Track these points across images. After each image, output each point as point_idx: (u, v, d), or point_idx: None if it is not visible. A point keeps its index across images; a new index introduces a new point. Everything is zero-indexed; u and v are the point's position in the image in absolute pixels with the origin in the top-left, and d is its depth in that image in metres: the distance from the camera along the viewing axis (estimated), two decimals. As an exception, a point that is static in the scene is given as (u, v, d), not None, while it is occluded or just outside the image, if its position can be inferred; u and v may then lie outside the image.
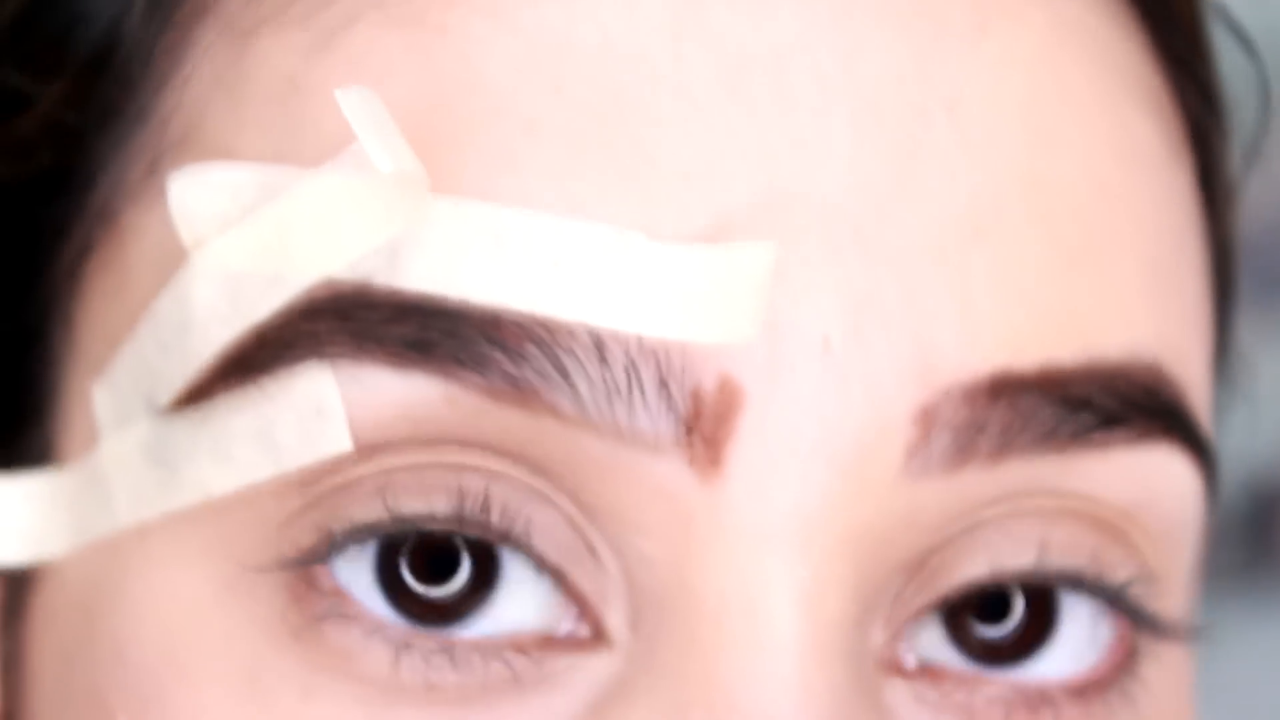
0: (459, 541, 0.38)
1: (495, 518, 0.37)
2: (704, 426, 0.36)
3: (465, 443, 0.37)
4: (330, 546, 0.37)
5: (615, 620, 0.38)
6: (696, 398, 0.36)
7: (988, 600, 0.40)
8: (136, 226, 0.40)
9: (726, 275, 0.36)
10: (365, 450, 0.37)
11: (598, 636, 0.38)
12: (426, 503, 0.37)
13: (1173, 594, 0.41)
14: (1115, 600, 0.40)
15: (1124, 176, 0.40)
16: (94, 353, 0.40)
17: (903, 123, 0.38)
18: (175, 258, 0.38)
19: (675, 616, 0.37)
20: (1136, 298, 0.40)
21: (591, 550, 0.38)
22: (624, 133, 0.37)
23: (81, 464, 0.40)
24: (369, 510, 0.37)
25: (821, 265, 0.37)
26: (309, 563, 0.37)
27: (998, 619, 0.40)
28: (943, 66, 0.38)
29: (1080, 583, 0.40)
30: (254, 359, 0.37)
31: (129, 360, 0.39)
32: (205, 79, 0.39)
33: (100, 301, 0.40)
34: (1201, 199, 0.43)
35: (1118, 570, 0.40)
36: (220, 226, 0.37)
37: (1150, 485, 0.40)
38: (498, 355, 0.36)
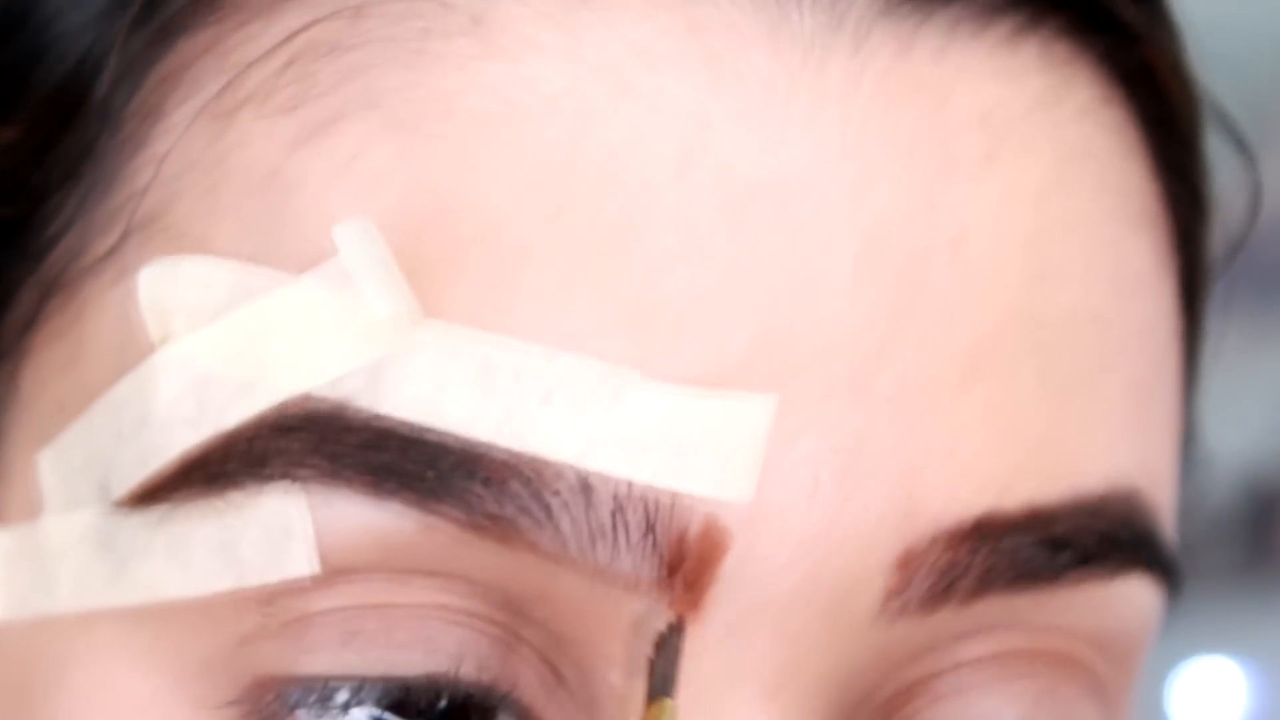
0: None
1: (471, 673, 0.36)
2: (686, 570, 0.35)
3: (437, 573, 0.36)
4: (288, 696, 0.36)
5: None
6: (681, 542, 0.35)
7: None
8: (97, 302, 0.38)
9: (723, 425, 0.35)
10: (332, 575, 0.36)
11: None
12: (396, 659, 0.36)
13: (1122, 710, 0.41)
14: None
15: (1116, 303, 0.39)
16: (41, 419, 0.39)
17: (907, 261, 0.36)
18: (138, 344, 0.37)
19: None
20: (1119, 425, 0.39)
21: (560, 680, 0.37)
22: (623, 265, 0.35)
23: (22, 532, 0.39)
24: (334, 661, 0.36)
25: (815, 407, 0.36)
26: (269, 717, 0.36)
27: None
28: (949, 201, 0.37)
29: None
30: (222, 469, 0.36)
31: (81, 440, 0.37)
32: (181, 157, 0.37)
33: (51, 370, 0.39)
34: (1183, 298, 0.43)
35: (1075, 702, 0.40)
36: (190, 322, 0.36)
37: (1119, 614, 0.39)
38: (479, 490, 0.35)
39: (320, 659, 0.36)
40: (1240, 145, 0.48)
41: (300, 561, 0.35)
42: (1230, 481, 1.19)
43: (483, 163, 0.36)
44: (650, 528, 0.35)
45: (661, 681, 0.36)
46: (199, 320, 0.36)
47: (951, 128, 0.37)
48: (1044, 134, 0.38)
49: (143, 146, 0.38)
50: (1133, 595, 0.39)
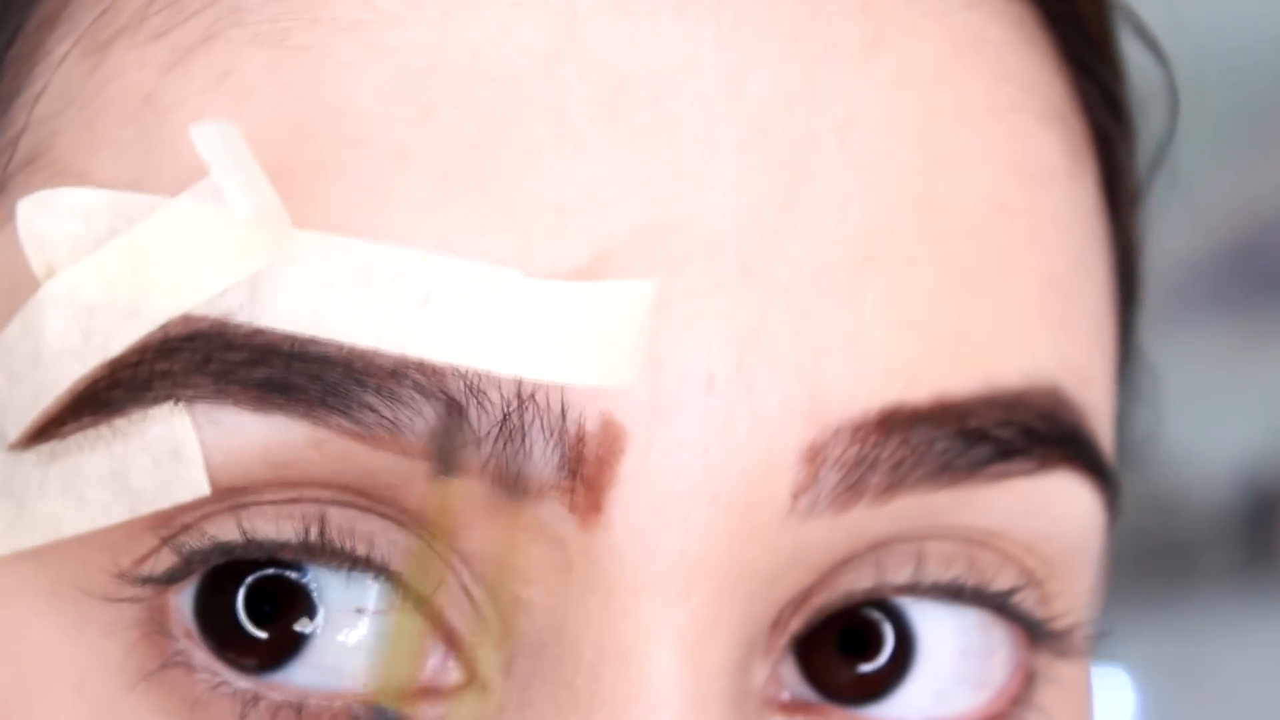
0: (313, 586, 0.36)
1: (350, 543, 0.36)
2: (586, 470, 0.35)
3: (330, 486, 0.35)
4: (180, 567, 0.36)
5: (488, 664, 0.36)
6: (579, 441, 0.35)
7: (859, 635, 0.39)
8: None
9: (605, 314, 0.35)
10: (223, 494, 0.35)
11: (470, 680, 0.36)
12: (279, 528, 0.36)
13: (1072, 614, 0.40)
14: (1002, 608, 0.39)
15: (1023, 193, 0.39)
16: None
17: (791, 147, 0.36)
18: (25, 284, 0.36)
19: (552, 665, 0.36)
20: (1035, 319, 0.38)
21: (466, 592, 0.36)
22: (497, 162, 0.35)
23: None
24: (222, 529, 0.36)
25: (705, 299, 0.35)
26: (159, 581, 0.36)
27: (860, 655, 0.39)
28: (833, 87, 0.37)
29: (961, 592, 0.39)
30: (108, 398, 0.35)
31: None
32: (57, 94, 0.37)
33: None
34: (1105, 205, 0.42)
35: (1000, 578, 0.39)
36: (73, 254, 0.35)
37: (1051, 514, 0.39)
38: (367, 398, 0.35)
39: (207, 527, 0.36)
40: (1153, 48, 0.47)
41: (190, 484, 0.35)
42: (1230, 481, 1.19)
43: (350, 69, 0.35)
44: (545, 429, 0.35)
45: (443, 464, 0.35)
46: (82, 251, 0.35)
47: (833, 14, 0.37)
48: (933, 21, 0.38)
49: (24, 89, 0.38)
50: (1065, 495, 0.39)
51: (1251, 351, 1.18)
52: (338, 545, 0.36)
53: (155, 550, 0.36)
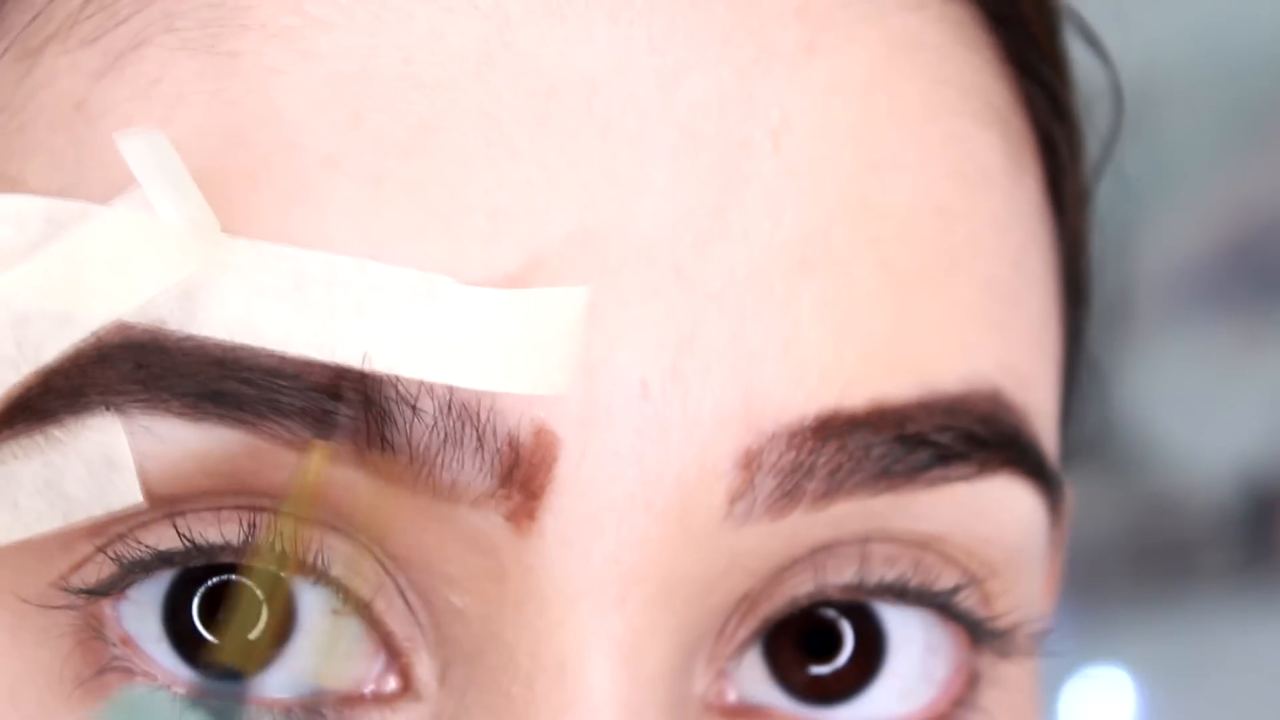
0: (254, 587, 0.36)
1: (289, 546, 0.36)
2: (519, 478, 0.35)
3: (266, 494, 0.35)
4: (118, 578, 0.36)
5: (424, 672, 0.36)
6: (512, 448, 0.35)
7: (817, 637, 0.39)
8: None
9: (538, 321, 0.35)
10: (158, 502, 0.35)
11: (406, 689, 0.36)
12: (219, 532, 0.36)
13: (1014, 614, 0.40)
14: (945, 608, 0.39)
15: (962, 197, 0.38)
16: None
17: (724, 152, 0.36)
18: None
19: (487, 673, 0.36)
20: (974, 323, 0.38)
21: (402, 595, 0.36)
22: (429, 168, 0.35)
23: None
24: (159, 537, 0.36)
25: (639, 305, 0.35)
26: (97, 593, 0.36)
27: (828, 656, 0.39)
28: (767, 91, 0.36)
29: (905, 592, 0.39)
30: (41, 405, 0.35)
31: None
32: None
33: None
34: (1049, 207, 0.42)
35: (943, 578, 0.39)
36: (6, 261, 0.35)
37: (992, 518, 0.39)
38: (300, 406, 0.34)
39: (144, 537, 0.36)
40: (1095, 45, 0.47)
41: (125, 493, 0.35)
42: (1230, 481, 1.19)
43: (280, 75, 0.35)
44: (479, 436, 0.35)
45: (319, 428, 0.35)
46: (15, 258, 0.35)
47: (767, 18, 0.37)
48: (869, 24, 0.38)
49: None
50: (1006, 499, 0.39)
51: (1251, 351, 1.18)
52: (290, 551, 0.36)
53: (90, 558, 0.36)
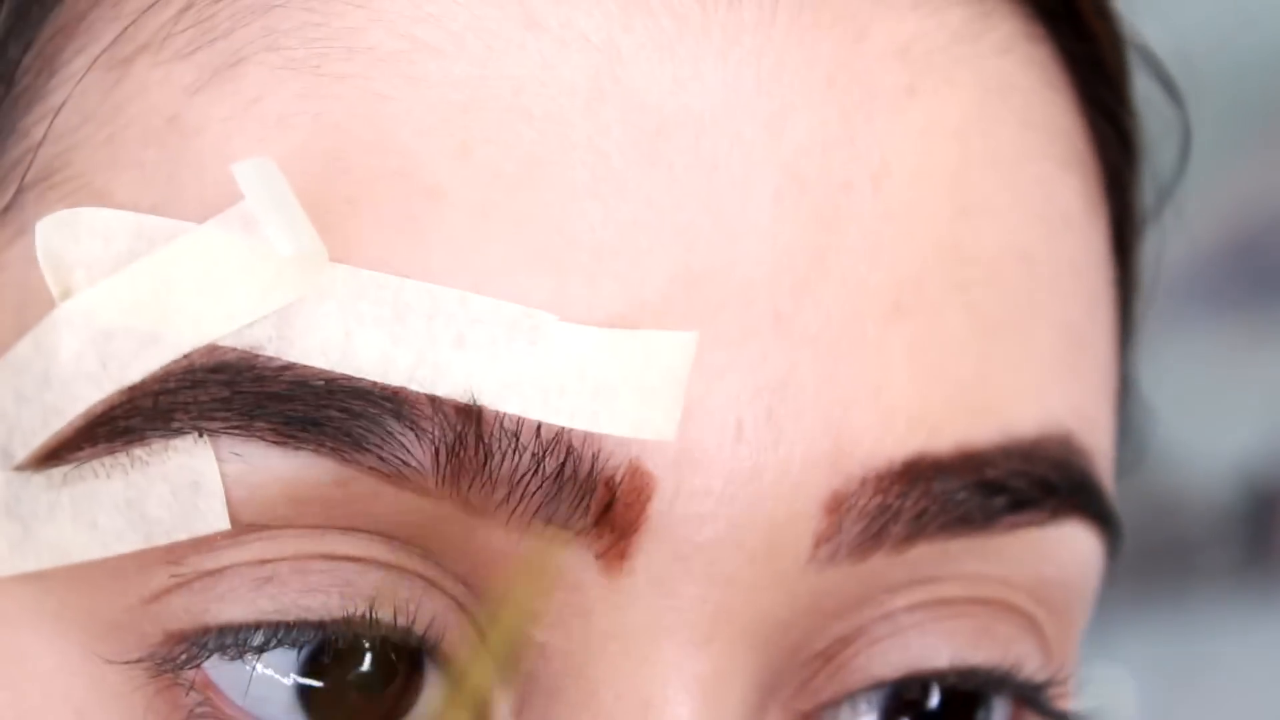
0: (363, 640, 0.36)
1: (388, 615, 0.35)
2: (612, 518, 0.35)
3: (352, 528, 0.35)
4: (203, 645, 0.35)
5: (501, 710, 0.36)
6: (608, 488, 0.34)
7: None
8: None
9: (643, 363, 0.34)
10: (242, 531, 0.35)
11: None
12: (310, 604, 0.35)
13: (1068, 671, 0.41)
14: (1032, 701, 0.39)
15: (1044, 241, 0.39)
16: None
17: (827, 194, 0.36)
18: (38, 300, 0.35)
19: (566, 709, 0.35)
20: (1051, 367, 0.38)
21: (481, 636, 0.36)
22: (535, 202, 0.35)
23: None
24: (247, 608, 0.35)
25: (737, 347, 0.35)
26: (181, 666, 0.35)
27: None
28: (870, 133, 0.36)
29: (1002, 684, 0.39)
30: (126, 424, 0.35)
31: None
32: (76, 109, 0.36)
33: None
34: (1115, 246, 0.42)
35: (1036, 670, 0.39)
36: (91, 276, 0.35)
37: (1057, 561, 0.39)
38: (395, 438, 0.34)
39: (232, 608, 0.35)
40: (1169, 88, 0.47)
41: (210, 518, 0.34)
42: (1230, 481, 1.19)
43: (387, 101, 0.35)
44: (574, 474, 0.34)
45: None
46: (100, 274, 0.35)
47: (870, 60, 0.37)
48: (966, 67, 0.38)
49: (39, 100, 0.37)
50: (1070, 542, 0.39)
51: (1251, 351, 1.18)
52: (388, 620, 0.35)
53: (169, 589, 0.35)
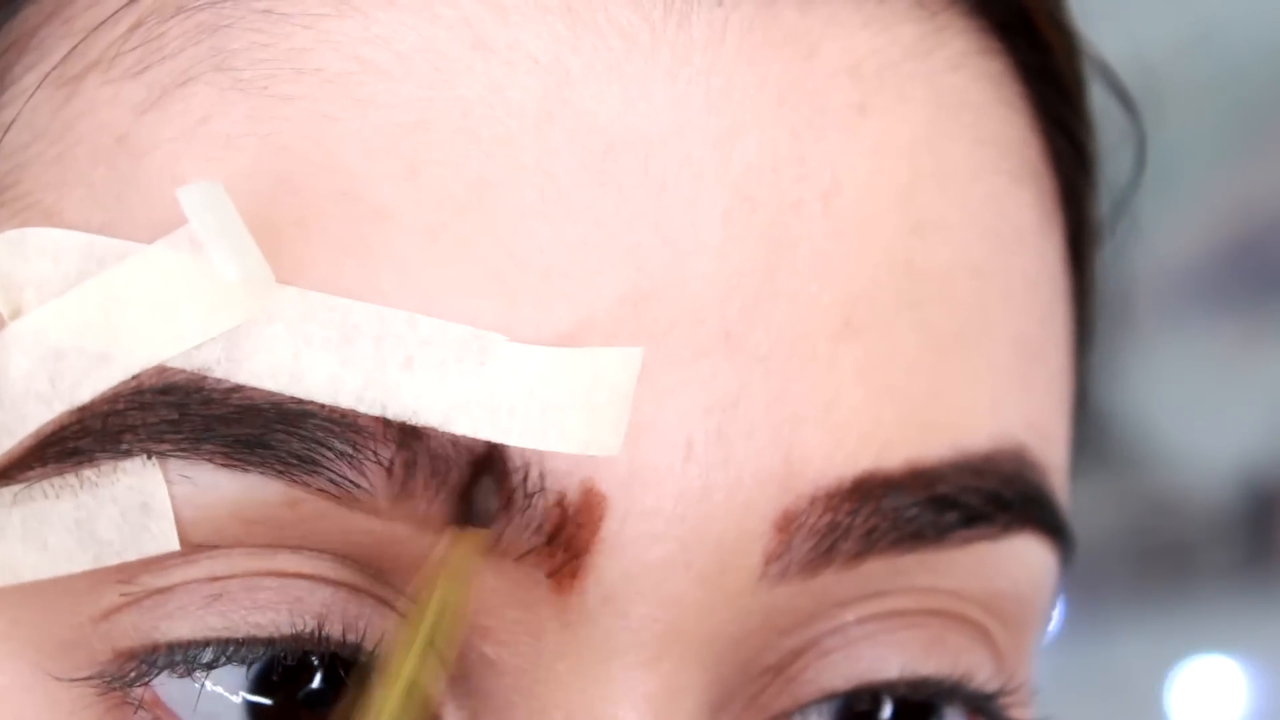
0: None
1: (338, 632, 0.35)
2: (564, 537, 0.35)
3: (302, 547, 0.35)
4: (152, 662, 0.35)
5: None
6: (560, 508, 0.35)
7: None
8: None
9: (590, 381, 0.34)
10: (192, 550, 0.35)
11: None
12: (260, 620, 0.35)
13: (1021, 681, 0.41)
14: (984, 711, 0.40)
15: (997, 256, 0.39)
16: None
17: (777, 214, 0.36)
18: None
19: None
20: (1003, 381, 0.39)
21: (413, 632, 0.36)
22: (483, 223, 0.35)
23: None
24: (196, 625, 0.35)
25: (687, 366, 0.35)
26: (131, 684, 0.35)
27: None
28: (820, 152, 0.36)
29: (953, 694, 0.39)
30: (76, 445, 0.35)
31: None
32: (26, 125, 0.36)
33: None
34: (1070, 258, 0.42)
35: (987, 680, 0.39)
36: (40, 296, 0.35)
37: (1010, 574, 0.39)
38: (345, 460, 0.34)
39: (181, 625, 0.35)
40: (1124, 99, 0.47)
41: (159, 539, 0.35)
42: (1230, 481, 1.19)
43: (335, 123, 0.35)
44: (526, 495, 0.35)
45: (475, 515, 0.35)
46: (50, 293, 0.35)
47: (821, 78, 0.37)
48: (917, 84, 0.38)
49: None
50: (1023, 555, 0.39)
51: (1251, 351, 1.18)
52: (337, 637, 0.35)
53: (119, 607, 0.35)
